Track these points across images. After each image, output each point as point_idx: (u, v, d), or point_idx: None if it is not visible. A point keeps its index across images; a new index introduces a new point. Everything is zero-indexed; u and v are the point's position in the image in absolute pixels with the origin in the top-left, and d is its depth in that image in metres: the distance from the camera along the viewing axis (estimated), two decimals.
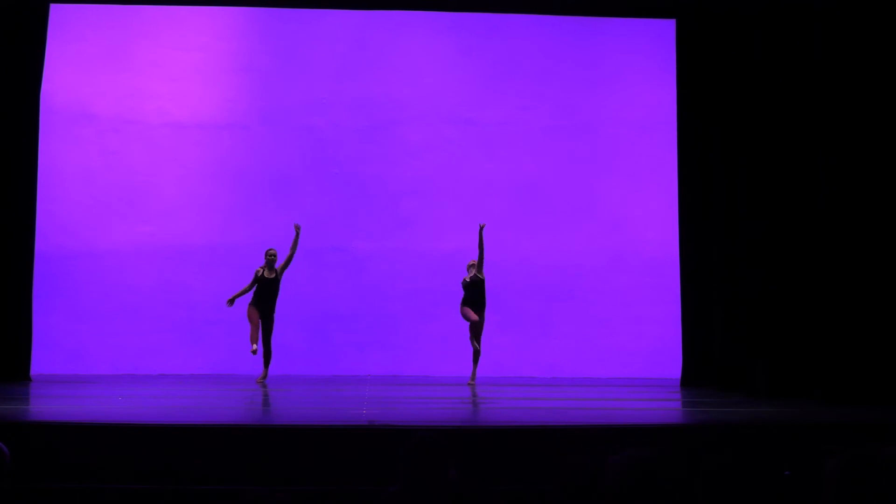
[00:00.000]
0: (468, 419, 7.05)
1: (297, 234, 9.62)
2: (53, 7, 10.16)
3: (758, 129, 8.96)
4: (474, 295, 9.60)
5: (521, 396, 8.60)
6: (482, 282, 9.63)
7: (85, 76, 10.78)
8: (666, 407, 8.27)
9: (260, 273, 9.63)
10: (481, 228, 9.58)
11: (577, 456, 3.35)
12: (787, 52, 8.83)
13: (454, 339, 10.56)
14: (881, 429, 6.40)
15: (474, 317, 9.53)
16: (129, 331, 10.61)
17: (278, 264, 9.64)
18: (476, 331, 9.60)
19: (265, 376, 9.56)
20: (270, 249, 9.68)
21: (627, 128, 11.07)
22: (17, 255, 9.80)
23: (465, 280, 9.72)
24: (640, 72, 11.11)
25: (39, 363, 10.02)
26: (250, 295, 9.62)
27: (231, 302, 9.55)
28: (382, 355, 10.17)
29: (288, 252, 9.61)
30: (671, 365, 10.27)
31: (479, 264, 9.65)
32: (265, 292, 9.57)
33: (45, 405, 7.73)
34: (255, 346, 9.46)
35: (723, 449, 5.66)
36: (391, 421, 6.57)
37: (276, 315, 9.59)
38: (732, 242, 9.28)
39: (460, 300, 9.64)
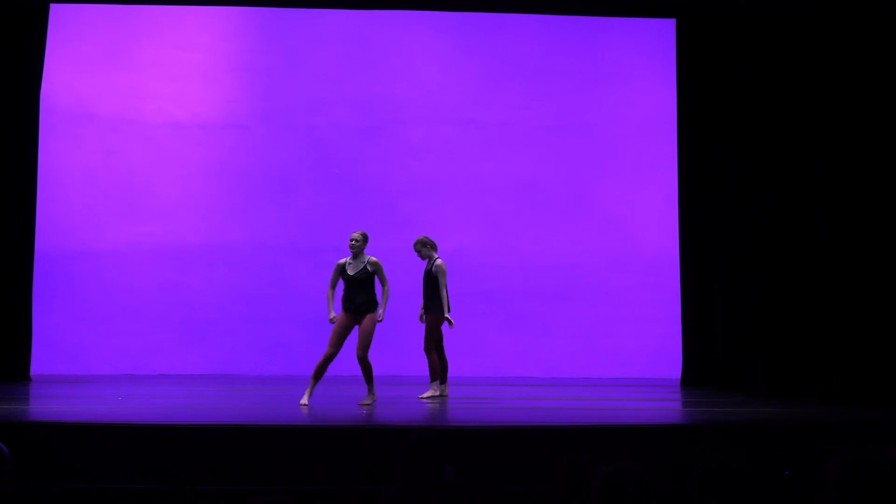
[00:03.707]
0: (468, 419, 7.05)
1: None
2: (53, 7, 10.16)
3: (758, 128, 8.97)
4: None
5: (521, 396, 8.60)
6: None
7: (85, 76, 10.78)
8: (666, 407, 8.27)
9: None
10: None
11: (576, 456, 3.35)
12: (787, 51, 8.84)
13: (455, 339, 10.56)
14: (881, 429, 6.40)
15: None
16: (129, 331, 10.60)
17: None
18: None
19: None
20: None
21: (627, 128, 11.07)
22: (17, 255, 9.81)
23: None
24: (640, 72, 11.10)
25: (39, 363, 10.02)
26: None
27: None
28: (382, 355, 10.12)
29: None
30: (671, 365, 10.27)
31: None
32: None
33: (45, 405, 7.74)
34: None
35: (723, 449, 5.67)
36: (391, 421, 6.57)
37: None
38: (732, 242, 9.28)
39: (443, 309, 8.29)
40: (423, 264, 8.55)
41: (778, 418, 6.83)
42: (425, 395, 8.29)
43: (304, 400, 7.48)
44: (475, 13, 10.86)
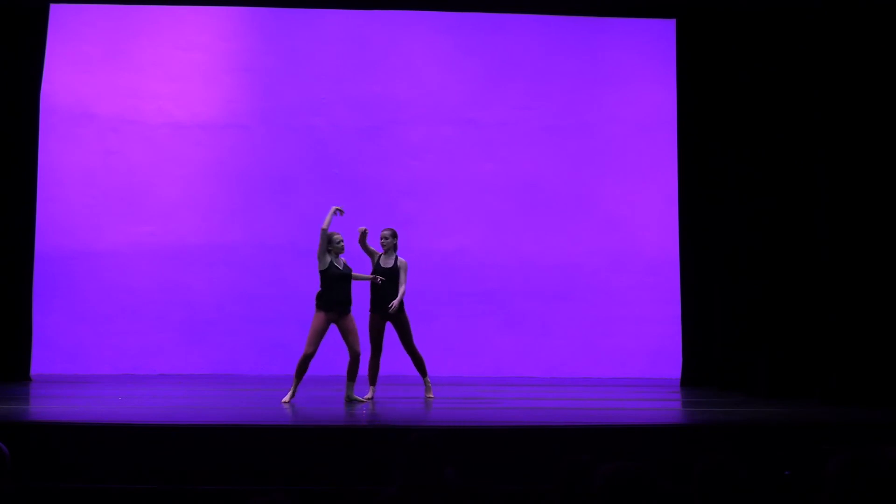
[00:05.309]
0: (468, 419, 7.05)
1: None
2: (53, 7, 10.16)
3: (758, 128, 8.97)
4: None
5: (521, 396, 8.60)
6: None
7: (85, 76, 10.77)
8: (666, 407, 8.28)
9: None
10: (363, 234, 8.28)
11: (576, 456, 3.35)
12: (787, 51, 8.84)
13: (454, 339, 10.57)
14: (881, 429, 6.40)
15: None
16: (129, 331, 10.60)
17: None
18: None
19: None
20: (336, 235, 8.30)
21: (627, 128, 11.06)
22: (17, 255, 9.81)
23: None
24: (640, 72, 11.10)
25: (39, 363, 10.02)
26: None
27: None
28: (383, 355, 10.12)
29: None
30: (671, 365, 10.27)
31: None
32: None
33: (45, 405, 7.74)
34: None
35: (723, 449, 5.67)
36: (391, 421, 6.57)
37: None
38: (732, 242, 9.29)
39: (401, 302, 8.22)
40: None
41: (778, 418, 6.83)
42: (430, 394, 8.27)
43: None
44: (475, 13, 10.86)
